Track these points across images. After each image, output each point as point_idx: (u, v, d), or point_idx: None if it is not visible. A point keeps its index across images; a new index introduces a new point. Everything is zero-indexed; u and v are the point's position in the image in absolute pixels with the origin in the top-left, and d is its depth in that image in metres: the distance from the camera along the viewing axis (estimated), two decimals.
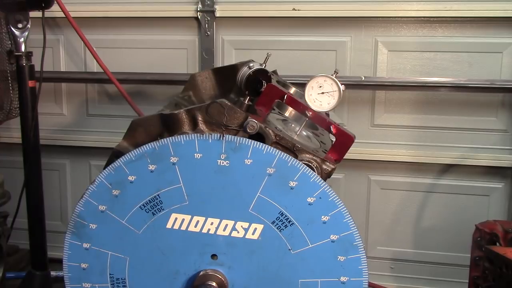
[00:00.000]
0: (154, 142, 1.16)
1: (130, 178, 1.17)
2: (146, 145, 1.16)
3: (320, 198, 1.14)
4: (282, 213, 1.15)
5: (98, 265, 1.20)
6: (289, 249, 1.17)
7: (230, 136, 1.14)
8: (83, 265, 1.21)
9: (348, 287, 1.16)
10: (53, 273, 2.08)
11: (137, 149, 1.16)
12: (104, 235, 1.19)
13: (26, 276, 2.00)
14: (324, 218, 1.15)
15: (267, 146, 1.15)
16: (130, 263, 1.20)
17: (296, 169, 1.14)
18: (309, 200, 1.15)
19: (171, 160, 1.16)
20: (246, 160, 1.14)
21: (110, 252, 1.20)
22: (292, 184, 1.14)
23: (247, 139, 1.15)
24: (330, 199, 1.14)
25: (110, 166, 1.17)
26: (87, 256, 1.20)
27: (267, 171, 1.14)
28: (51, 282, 2.04)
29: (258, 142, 1.15)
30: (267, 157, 1.14)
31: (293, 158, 1.14)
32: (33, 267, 1.99)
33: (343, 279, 1.16)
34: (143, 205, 1.18)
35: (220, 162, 1.15)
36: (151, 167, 1.16)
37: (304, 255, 1.16)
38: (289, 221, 1.16)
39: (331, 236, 1.15)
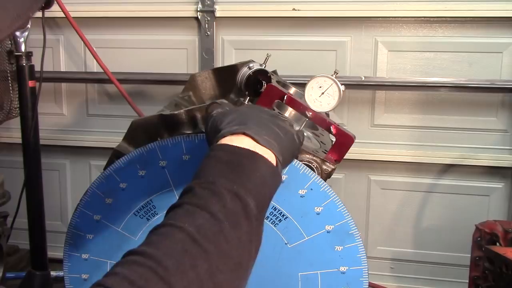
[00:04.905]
0: (142, 147, 1.16)
1: (121, 185, 1.17)
2: (134, 151, 1.16)
3: (311, 189, 1.14)
4: (275, 207, 1.15)
5: (98, 274, 1.20)
6: (285, 243, 1.16)
7: None
8: (84, 276, 1.21)
9: (348, 276, 1.15)
10: (53, 273, 2.08)
11: (125, 156, 1.16)
12: (102, 244, 1.19)
13: (26, 276, 2.00)
14: (317, 209, 1.14)
15: None
16: None
17: None
18: (300, 193, 1.14)
19: (160, 164, 1.16)
20: None
21: (109, 261, 1.20)
22: (282, 177, 1.14)
23: None
24: (322, 189, 1.14)
25: (101, 175, 1.18)
26: (87, 267, 1.20)
27: None
28: (51, 282, 2.04)
29: None
30: None
31: None
32: (33, 267, 1.99)
33: (342, 269, 1.16)
34: (137, 211, 1.18)
35: None
36: (141, 173, 1.16)
37: (301, 248, 1.16)
38: (283, 215, 1.15)
39: (326, 227, 1.15)
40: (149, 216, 1.18)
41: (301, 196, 1.15)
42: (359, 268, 1.15)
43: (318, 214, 1.15)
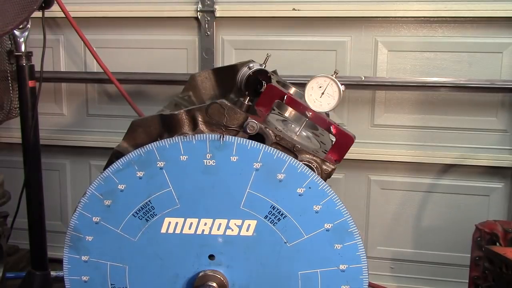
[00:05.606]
0: (140, 149, 1.16)
1: (120, 187, 1.17)
2: (132, 152, 1.17)
3: (309, 188, 1.14)
4: (273, 206, 1.16)
5: (98, 276, 1.21)
6: (284, 242, 1.17)
7: (213, 135, 1.15)
8: (84, 278, 1.21)
9: (348, 274, 1.16)
10: (53, 273, 2.08)
11: (123, 158, 1.17)
12: (101, 246, 1.20)
13: (26, 276, 2.00)
14: (316, 208, 1.15)
15: (251, 141, 1.15)
16: (129, 271, 1.20)
17: (282, 161, 1.14)
18: (299, 191, 1.15)
19: (158, 165, 1.16)
20: (231, 157, 1.15)
21: (108, 263, 1.20)
22: (280, 176, 1.14)
23: (230, 136, 1.15)
24: (320, 188, 1.14)
25: (99, 176, 1.18)
26: (87, 269, 1.21)
27: (254, 166, 1.14)
28: (51, 282, 2.04)
29: (242, 138, 1.15)
30: (252, 152, 1.15)
31: (278, 151, 1.15)
32: (33, 267, 1.99)
33: (342, 267, 1.16)
34: (136, 212, 1.18)
35: (206, 162, 1.15)
36: (140, 174, 1.17)
37: (300, 247, 1.16)
38: (282, 214, 1.16)
39: (325, 225, 1.15)
40: (148, 217, 1.18)
41: (299, 195, 1.15)
42: (359, 266, 1.16)
43: (317, 212, 1.15)
